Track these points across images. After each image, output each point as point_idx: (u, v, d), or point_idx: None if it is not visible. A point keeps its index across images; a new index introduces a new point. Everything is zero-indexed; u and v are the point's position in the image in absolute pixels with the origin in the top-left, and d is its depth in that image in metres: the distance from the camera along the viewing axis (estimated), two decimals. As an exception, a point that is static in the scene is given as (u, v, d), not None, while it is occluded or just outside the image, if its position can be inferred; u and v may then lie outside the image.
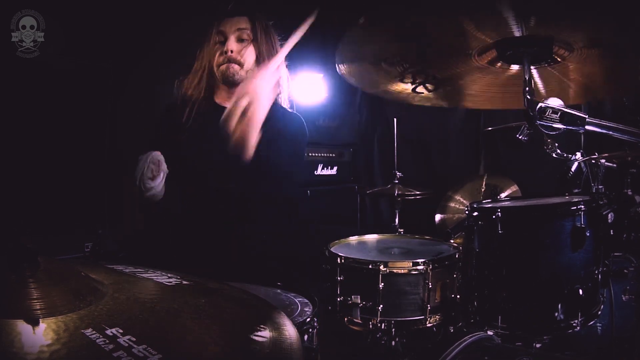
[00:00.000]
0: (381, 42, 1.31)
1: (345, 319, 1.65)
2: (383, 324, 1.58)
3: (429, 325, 1.60)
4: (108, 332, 0.59)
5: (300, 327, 1.10)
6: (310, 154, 3.34)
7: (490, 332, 1.55)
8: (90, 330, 0.59)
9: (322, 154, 3.44)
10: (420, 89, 1.48)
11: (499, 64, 1.34)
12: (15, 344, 0.55)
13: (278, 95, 1.86)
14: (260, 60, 1.77)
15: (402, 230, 2.68)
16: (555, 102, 1.14)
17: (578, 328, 1.54)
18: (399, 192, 2.74)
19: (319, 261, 1.77)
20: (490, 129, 2.78)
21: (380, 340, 1.70)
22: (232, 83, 1.77)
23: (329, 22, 3.60)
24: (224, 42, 1.77)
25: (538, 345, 1.59)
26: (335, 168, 3.41)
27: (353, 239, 1.98)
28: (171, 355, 0.57)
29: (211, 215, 1.70)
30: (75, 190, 2.56)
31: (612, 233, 1.68)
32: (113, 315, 0.64)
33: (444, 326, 1.70)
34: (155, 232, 1.83)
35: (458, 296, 1.68)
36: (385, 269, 1.57)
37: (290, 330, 0.69)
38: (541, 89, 1.50)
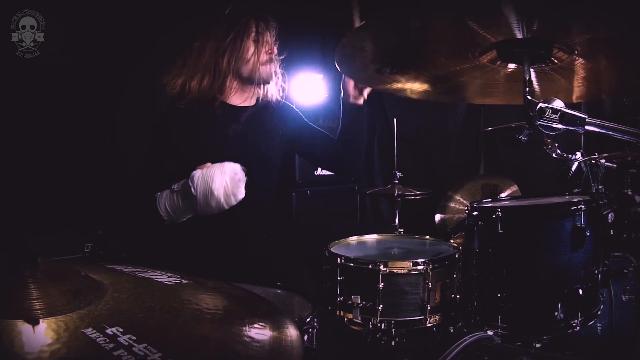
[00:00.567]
0: (381, 42, 1.31)
1: (345, 319, 1.65)
2: (383, 324, 1.58)
3: (429, 325, 1.60)
4: (108, 331, 0.59)
5: (300, 327, 1.10)
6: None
7: (490, 332, 1.55)
8: (90, 329, 0.59)
9: (322, 154, 3.42)
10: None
11: (498, 63, 1.35)
12: (15, 344, 0.55)
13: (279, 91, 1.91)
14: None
15: (402, 230, 2.68)
16: (555, 103, 1.15)
17: (578, 328, 1.54)
18: (399, 192, 2.74)
19: (318, 261, 1.77)
20: (490, 129, 2.78)
21: (380, 340, 1.70)
22: (268, 82, 1.81)
23: (329, 22, 3.61)
24: (261, 41, 1.76)
25: (538, 345, 1.59)
26: (333, 172, 3.41)
27: (353, 239, 1.98)
28: (171, 353, 0.57)
29: (216, 217, 1.69)
30: (76, 191, 2.56)
31: (612, 233, 1.68)
32: (113, 315, 0.64)
33: (444, 326, 1.70)
34: (155, 232, 1.83)
35: (458, 296, 1.68)
36: (385, 269, 1.57)
37: (290, 330, 0.69)
38: (539, 88, 1.50)
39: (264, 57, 1.77)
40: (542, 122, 1.13)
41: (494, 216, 1.61)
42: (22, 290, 0.62)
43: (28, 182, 2.34)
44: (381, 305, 1.57)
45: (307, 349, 1.11)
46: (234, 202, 1.52)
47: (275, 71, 1.81)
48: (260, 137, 1.82)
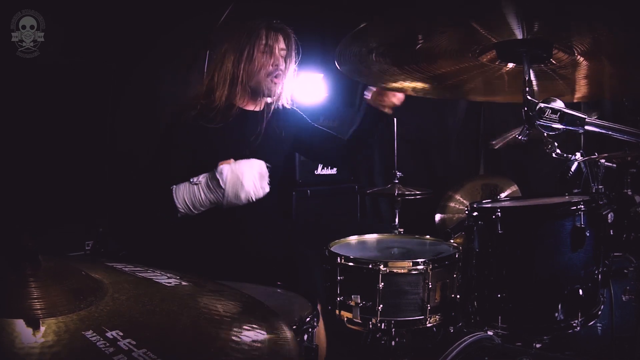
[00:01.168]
0: (380, 41, 1.31)
1: (345, 319, 1.65)
2: (383, 324, 1.58)
3: (429, 325, 1.60)
4: (108, 334, 0.58)
5: (300, 327, 1.10)
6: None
7: (490, 332, 1.55)
8: (90, 332, 0.58)
9: (322, 154, 3.43)
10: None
11: (497, 62, 1.35)
12: (15, 344, 0.55)
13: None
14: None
15: (402, 230, 2.68)
16: (555, 103, 1.14)
17: (578, 328, 1.54)
18: (399, 192, 2.74)
19: (318, 261, 1.77)
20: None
21: (380, 340, 1.70)
22: (270, 95, 1.84)
23: (329, 22, 3.61)
24: (269, 52, 1.78)
25: (538, 345, 1.59)
26: (335, 168, 3.41)
27: (353, 238, 1.98)
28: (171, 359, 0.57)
29: (217, 215, 1.69)
30: (76, 189, 2.55)
31: (612, 233, 1.68)
32: (113, 317, 0.64)
33: (444, 326, 1.70)
34: (155, 231, 1.83)
35: (458, 296, 1.68)
36: (385, 268, 1.57)
37: (287, 333, 0.69)
38: (538, 88, 1.50)
39: (269, 69, 1.78)
40: (542, 122, 1.13)
41: (494, 216, 1.61)
42: (23, 289, 0.62)
43: (29, 182, 2.34)
44: (381, 305, 1.57)
45: (307, 349, 1.11)
46: (261, 194, 1.63)
47: (280, 85, 1.83)
48: (267, 140, 1.85)
